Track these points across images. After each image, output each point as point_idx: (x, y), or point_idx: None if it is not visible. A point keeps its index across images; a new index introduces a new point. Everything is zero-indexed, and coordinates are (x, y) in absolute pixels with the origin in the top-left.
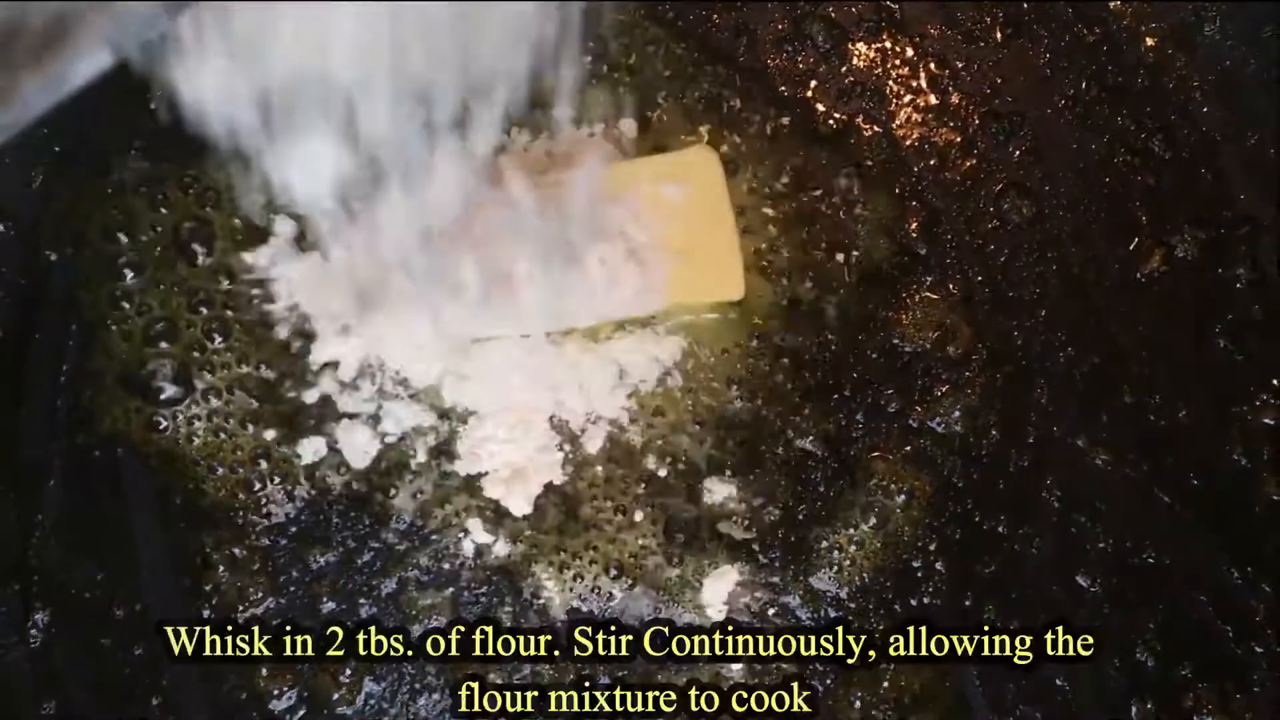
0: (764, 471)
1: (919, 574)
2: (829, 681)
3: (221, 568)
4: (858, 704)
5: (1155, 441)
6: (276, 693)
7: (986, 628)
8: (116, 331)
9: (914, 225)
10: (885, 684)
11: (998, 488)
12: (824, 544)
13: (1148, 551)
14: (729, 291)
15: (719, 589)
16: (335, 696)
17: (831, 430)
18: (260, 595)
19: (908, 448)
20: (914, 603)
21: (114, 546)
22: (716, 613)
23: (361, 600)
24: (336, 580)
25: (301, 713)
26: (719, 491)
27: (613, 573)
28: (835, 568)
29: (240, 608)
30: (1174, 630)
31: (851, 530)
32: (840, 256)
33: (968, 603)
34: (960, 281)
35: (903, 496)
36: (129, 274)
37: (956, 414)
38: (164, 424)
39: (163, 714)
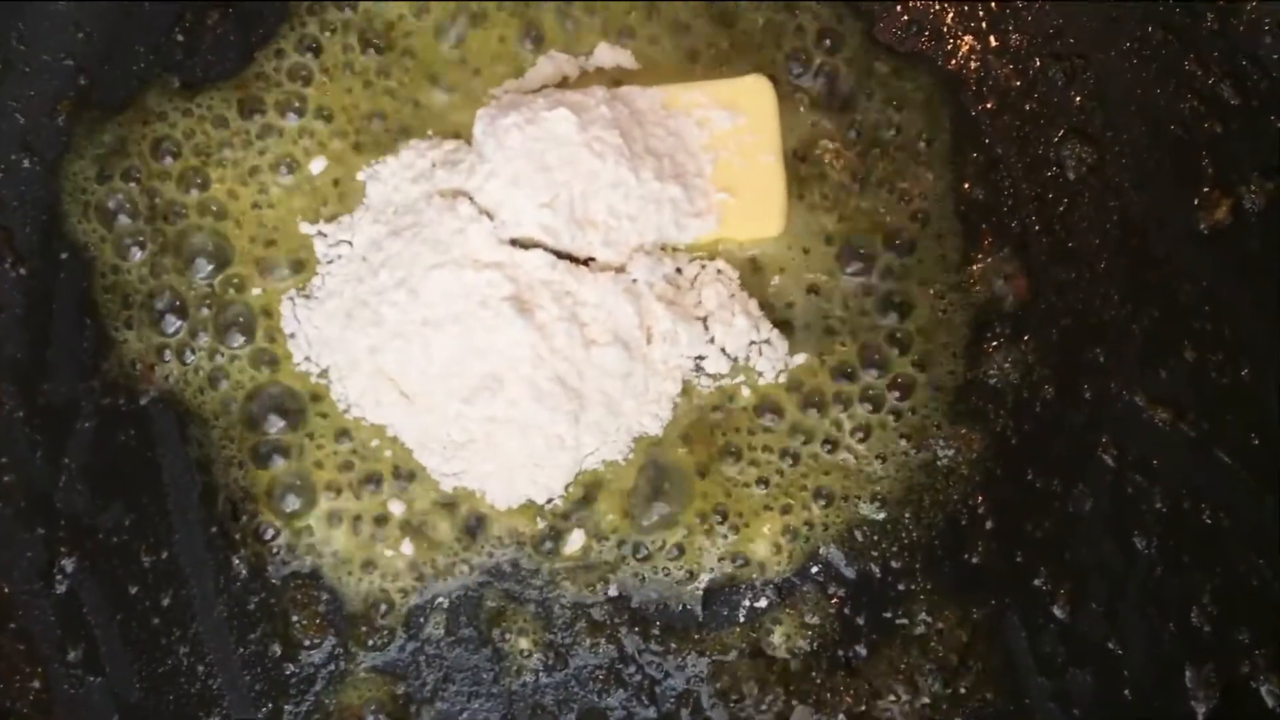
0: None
1: (968, 532)
2: (870, 643)
3: (255, 515)
4: (902, 667)
5: (1216, 400)
6: (309, 644)
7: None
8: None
9: (970, 170)
10: (929, 646)
11: (1051, 445)
12: (868, 500)
13: (1205, 513)
14: (768, 228)
15: (761, 542)
16: (370, 643)
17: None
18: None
19: (959, 404)
20: (962, 561)
21: (143, 491)
22: (759, 562)
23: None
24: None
25: (334, 665)
26: None
27: None
28: (879, 524)
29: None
30: (1231, 594)
31: (896, 487)
32: (892, 200)
33: (1018, 563)
34: (1017, 230)
35: (951, 452)
36: (149, 210)
37: (1009, 368)
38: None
39: (191, 664)
